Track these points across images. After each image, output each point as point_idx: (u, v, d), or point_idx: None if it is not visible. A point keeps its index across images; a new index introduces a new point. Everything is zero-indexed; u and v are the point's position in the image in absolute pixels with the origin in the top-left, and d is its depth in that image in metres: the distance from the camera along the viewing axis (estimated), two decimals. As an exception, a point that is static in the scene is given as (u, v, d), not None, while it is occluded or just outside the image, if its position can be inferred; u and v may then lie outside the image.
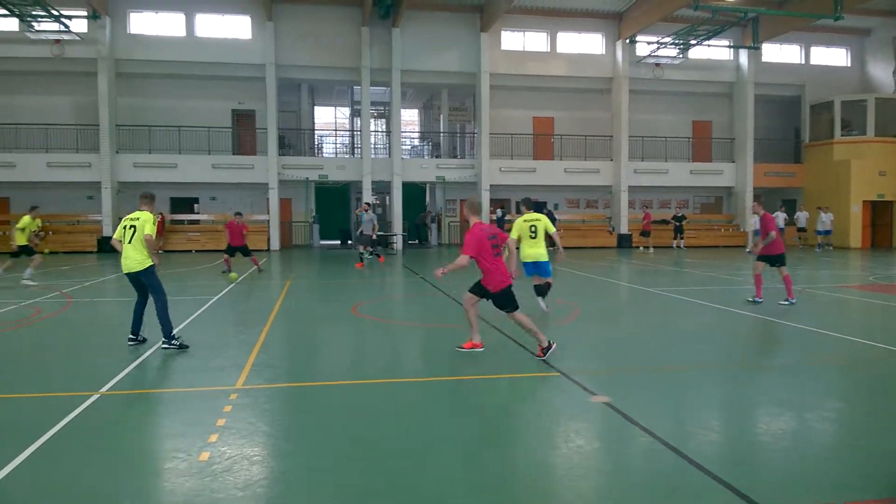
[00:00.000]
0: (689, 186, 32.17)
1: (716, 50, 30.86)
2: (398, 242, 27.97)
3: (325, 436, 4.99)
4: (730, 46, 30.59)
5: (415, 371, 7.40)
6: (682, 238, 28.09)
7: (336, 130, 36.80)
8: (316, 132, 34.02)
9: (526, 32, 29.93)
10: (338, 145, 35.40)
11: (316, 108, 34.94)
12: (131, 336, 8.04)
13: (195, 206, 29.50)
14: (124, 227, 7.92)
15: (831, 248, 28.14)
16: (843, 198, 29.76)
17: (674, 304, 12.03)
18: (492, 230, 7.13)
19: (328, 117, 38.21)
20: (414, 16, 27.97)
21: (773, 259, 11.51)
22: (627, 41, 29.62)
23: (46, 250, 22.78)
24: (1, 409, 5.71)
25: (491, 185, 29.39)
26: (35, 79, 27.45)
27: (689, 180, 31.56)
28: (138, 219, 7.90)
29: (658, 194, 32.76)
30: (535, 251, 10.22)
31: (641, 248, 26.61)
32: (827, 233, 27.80)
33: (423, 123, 38.97)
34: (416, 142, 37.71)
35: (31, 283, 14.41)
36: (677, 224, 28.02)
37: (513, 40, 29.89)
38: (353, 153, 32.68)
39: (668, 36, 28.54)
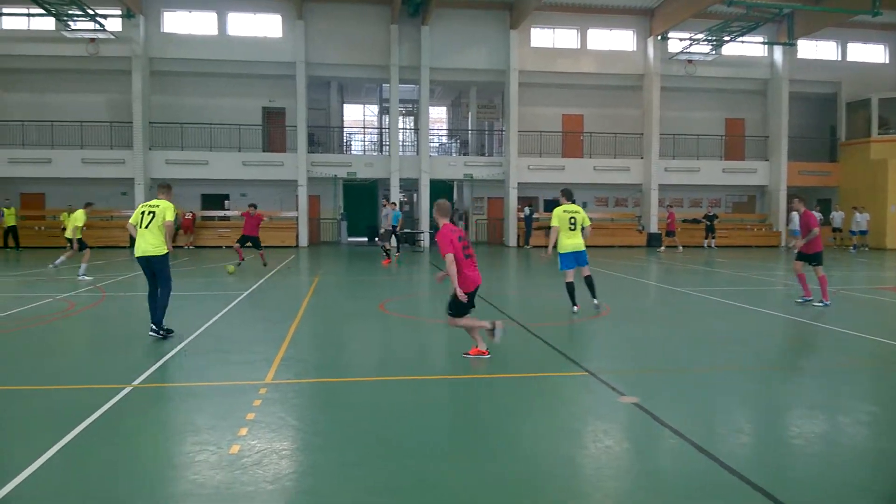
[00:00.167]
0: (722, 185, 31.69)
1: (749, 46, 30.35)
2: (425, 240, 28.00)
3: (353, 431, 5.02)
4: (764, 43, 30.08)
5: (442, 369, 7.40)
6: (713, 237, 27.71)
7: (364, 128, 36.97)
8: (345, 130, 34.24)
9: (556, 29, 29.74)
10: (366, 143, 35.56)
11: (345, 105, 35.16)
12: (154, 327, 8.17)
13: (226, 202, 29.87)
14: (142, 213, 8.09)
15: (867, 248, 27.55)
16: (880, 197, 29.05)
17: (704, 305, 11.87)
18: (458, 231, 7.05)
19: (357, 115, 38.40)
20: (443, 13, 27.96)
21: (810, 258, 11.29)
22: (659, 38, 29.26)
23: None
24: (37, 401, 5.85)
25: (519, 183, 29.28)
26: (70, 77, 28.02)
27: (722, 179, 31.08)
28: (158, 205, 8.10)
29: (689, 193, 32.34)
30: (574, 241, 10.22)
31: (664, 247, 26.21)
32: (863, 233, 27.21)
33: (451, 121, 38.95)
34: (444, 139, 37.72)
35: (87, 277, 14.69)
36: (708, 223, 27.64)
37: (542, 37, 29.72)
38: (381, 151, 32.80)
39: (701, 32, 28.10)
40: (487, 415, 5.51)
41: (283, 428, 5.07)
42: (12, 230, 24.38)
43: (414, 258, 22.46)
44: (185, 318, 9.69)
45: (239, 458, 4.36)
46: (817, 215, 11.52)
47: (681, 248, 26.73)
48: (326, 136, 31.84)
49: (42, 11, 24.20)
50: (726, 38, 28.32)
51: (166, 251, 8.10)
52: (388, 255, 20.06)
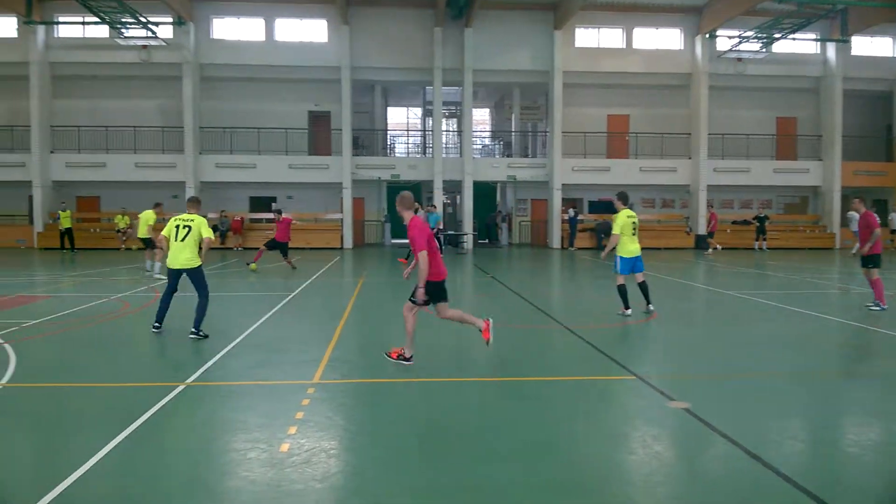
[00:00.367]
0: (773, 185, 30.88)
1: (801, 43, 29.53)
2: (468, 242, 28.01)
3: (400, 432, 5.05)
4: (816, 40, 29.26)
5: (487, 370, 7.39)
6: (764, 239, 27.07)
7: (408, 130, 37.19)
8: (388, 132, 34.51)
9: (601, 29, 29.46)
10: (409, 145, 35.77)
11: (388, 108, 35.44)
12: (157, 325, 8.62)
13: (273, 204, 30.32)
14: (176, 227, 8.40)
15: (927, 251, 26.52)
16: (940, 198, 27.95)
17: (755, 308, 11.59)
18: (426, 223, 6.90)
19: (400, 117, 38.67)
20: (486, 15, 27.95)
21: (867, 259, 10.93)
22: (707, 36, 28.72)
23: (134, 247, 23.88)
24: (96, 398, 6.04)
25: (563, 185, 29.06)
26: (124, 83, 28.90)
27: (773, 179, 30.29)
28: (193, 220, 8.43)
29: (739, 194, 31.63)
30: (636, 247, 10.23)
31: (711, 249, 25.66)
32: (922, 235, 26.21)
33: (494, 122, 38.90)
34: (488, 141, 37.69)
35: (160, 275, 15.19)
36: (759, 225, 27.00)
37: (587, 37, 29.46)
38: (424, 153, 32.95)
39: (751, 30, 27.46)
40: (534, 418, 5.48)
41: (331, 427, 5.14)
42: (68, 232, 25.23)
43: (457, 260, 22.48)
44: (234, 319, 9.90)
45: (289, 457, 4.44)
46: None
47: (718, 247, 26.13)
48: (370, 139, 32.14)
49: (97, 20, 25.05)
50: (777, 36, 27.59)
51: (200, 263, 8.50)
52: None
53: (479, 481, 4.13)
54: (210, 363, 7.10)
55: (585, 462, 4.51)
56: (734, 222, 29.95)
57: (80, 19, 26.08)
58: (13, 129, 28.05)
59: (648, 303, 10.40)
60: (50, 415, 5.51)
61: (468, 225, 28.91)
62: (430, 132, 31.03)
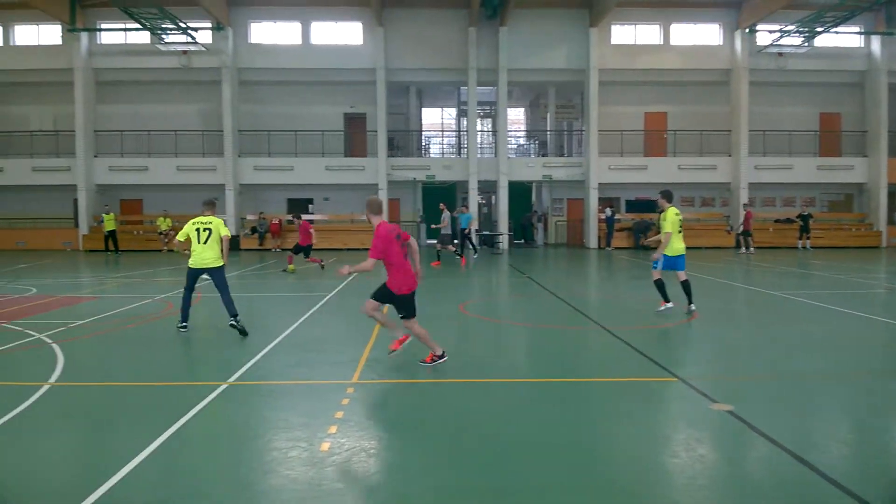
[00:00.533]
0: (816, 183, 30.11)
1: (844, 37, 28.79)
2: (504, 242, 27.91)
3: (438, 433, 5.05)
4: (860, 33, 28.50)
5: (525, 371, 7.35)
6: (808, 238, 26.45)
7: (443, 131, 37.23)
8: (423, 133, 34.59)
9: (637, 25, 29.11)
10: (444, 146, 35.80)
11: (423, 109, 35.52)
12: (184, 324, 8.97)
13: (310, 206, 30.73)
14: (197, 230, 8.80)
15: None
16: None
17: (800, 309, 11.32)
18: (396, 229, 6.78)
19: (435, 118, 38.74)
20: (521, 14, 27.84)
21: None
22: (747, 30, 28.16)
23: (175, 249, 24.34)
24: (141, 396, 6.17)
25: (599, 184, 28.78)
26: (165, 88, 29.53)
27: (816, 176, 29.54)
28: (211, 222, 8.84)
29: (781, 191, 30.93)
30: (682, 245, 10.22)
31: (752, 248, 25.07)
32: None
33: (529, 122, 38.72)
34: (523, 140, 37.53)
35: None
36: (803, 223, 26.36)
37: (623, 34, 29.14)
38: (459, 153, 32.96)
39: (792, 24, 26.84)
40: (574, 419, 5.43)
41: (371, 427, 5.17)
42: (112, 234, 25.84)
43: (493, 260, 22.43)
44: (273, 319, 10.02)
45: (329, 456, 4.47)
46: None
47: (744, 249, 25.53)
48: (405, 140, 32.27)
49: (138, 26, 25.65)
50: (819, 30, 26.92)
51: (223, 263, 8.89)
52: (460, 253, 20.27)
53: (522, 482, 4.10)
54: (251, 363, 7.20)
55: (627, 465, 4.45)
56: (776, 221, 29.30)
57: (121, 26, 26.73)
58: (58, 133, 28.88)
59: (690, 302, 10.25)
60: (96, 413, 5.64)
61: (503, 225, 28.81)
62: (465, 132, 31.03)
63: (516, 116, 39.17)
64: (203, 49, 27.71)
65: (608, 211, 28.13)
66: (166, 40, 27.15)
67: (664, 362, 7.16)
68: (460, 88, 33.26)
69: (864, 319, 10.02)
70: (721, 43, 29.11)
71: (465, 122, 32.27)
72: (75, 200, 28.65)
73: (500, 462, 4.42)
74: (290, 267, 17.56)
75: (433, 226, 20.66)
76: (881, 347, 8.52)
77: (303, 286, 15.01)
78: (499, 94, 29.00)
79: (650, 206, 28.45)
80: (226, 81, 28.02)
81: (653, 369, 6.94)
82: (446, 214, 20.68)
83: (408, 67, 28.63)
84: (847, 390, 6.25)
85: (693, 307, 10.20)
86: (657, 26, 29.04)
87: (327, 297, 12.75)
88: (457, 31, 28.29)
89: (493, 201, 32.07)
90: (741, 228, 25.33)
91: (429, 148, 35.25)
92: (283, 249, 27.04)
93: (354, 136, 30.69)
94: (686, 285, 10.26)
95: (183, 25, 25.88)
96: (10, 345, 8.18)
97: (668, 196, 10.44)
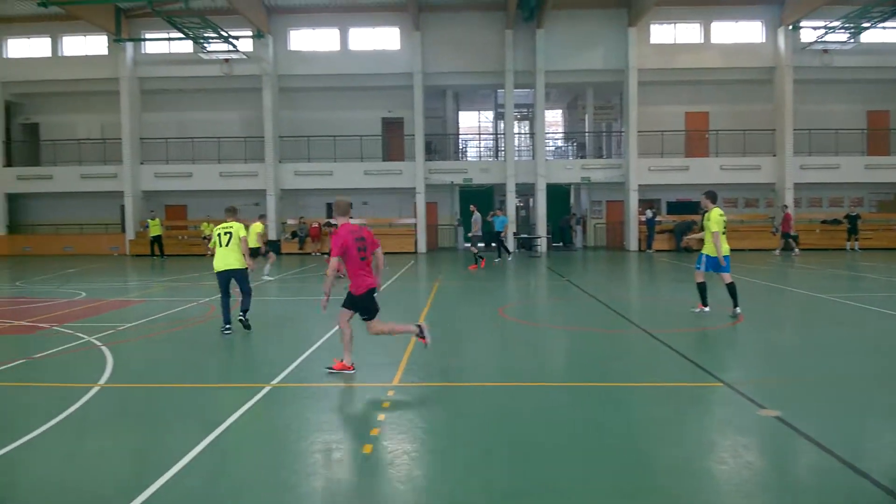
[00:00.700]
0: (864, 182, 29.20)
1: (892, 32, 27.84)
2: (542, 245, 27.75)
3: (478, 436, 5.04)
4: (910, 27, 27.55)
5: (566, 375, 7.29)
6: (856, 239, 25.72)
7: (480, 134, 37.20)
8: (460, 136, 34.62)
9: (677, 24, 28.68)
10: (481, 149, 35.77)
11: (460, 112, 35.53)
12: (227, 326, 9.24)
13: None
14: (219, 235, 9.34)
15: None
16: None
17: (849, 312, 10.99)
18: (360, 233, 6.72)
19: (472, 121, 38.72)
20: (558, 16, 27.68)
21: None
22: (790, 27, 27.52)
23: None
24: (186, 398, 6.31)
25: (639, 185, 28.42)
26: (207, 96, 30.18)
27: (864, 176, 28.66)
28: (232, 227, 9.35)
29: (828, 191, 30.11)
30: (726, 246, 10.08)
31: (797, 249, 24.46)
32: None
33: (567, 123, 38.44)
34: (560, 142, 37.27)
35: (271, 277, 17.16)
36: (851, 224, 25.63)
37: (663, 33, 28.74)
38: (496, 156, 32.89)
39: (837, 19, 26.14)
40: (617, 424, 5.36)
41: (412, 430, 5.18)
42: (157, 239, 26.44)
43: (531, 263, 22.33)
44: (315, 321, 10.13)
45: (372, 458, 4.50)
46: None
47: (778, 251, 24.94)
48: (443, 144, 32.34)
49: (181, 35, 26.25)
50: (866, 25, 26.16)
51: (245, 266, 9.41)
52: (476, 260, 20.19)
53: (564, 486, 4.07)
54: (293, 365, 7.29)
55: (673, 470, 4.38)
56: (823, 222, 28.55)
57: (165, 36, 27.36)
58: (105, 141, 29.74)
59: (735, 305, 10.05)
60: (145, 414, 5.78)
61: (541, 228, 28.65)
62: (502, 135, 30.96)
63: (554, 118, 38.92)
64: (244, 57, 28.23)
65: (649, 213, 27.75)
66: (208, 49, 27.74)
67: (708, 366, 7.03)
68: (497, 91, 33.19)
69: (919, 323, 9.70)
70: (764, 40, 28.50)
71: (502, 125, 32.18)
72: (122, 206, 29.44)
73: (542, 466, 4.39)
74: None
75: (469, 234, 20.58)
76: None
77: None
78: (536, 97, 28.87)
79: (692, 208, 27.99)
80: (266, 88, 28.49)
81: (697, 374, 6.82)
82: (477, 216, 20.66)
83: (445, 71, 28.71)
84: (901, 396, 6.05)
85: (738, 310, 10.01)
86: (697, 24, 28.57)
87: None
88: (493, 34, 28.27)
89: (531, 204, 31.91)
90: (783, 230, 24.82)
91: (466, 151, 35.26)
92: (322, 253, 27.34)
93: (392, 140, 30.88)
94: (731, 288, 10.08)
95: (224, 34, 26.39)
96: (62, 347, 8.43)
97: (712, 197, 10.31)
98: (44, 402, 6.04)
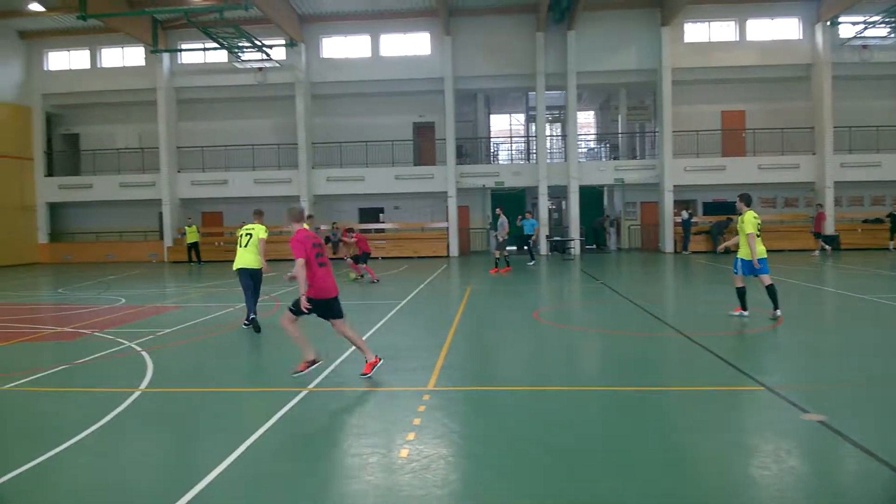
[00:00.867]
0: (907, 180, 28.44)
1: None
2: (576, 247, 27.55)
3: (514, 440, 5.02)
4: (953, 20, 26.74)
5: (603, 379, 7.22)
6: (899, 239, 25.00)
7: (511, 137, 37.09)
8: (491, 140, 34.56)
9: (711, 22, 28.24)
10: (513, 152, 35.67)
11: (491, 116, 35.50)
12: (252, 316, 9.95)
13: (380, 215, 31.19)
14: (240, 236, 10.04)
15: None
16: None
17: (893, 313, 10.69)
18: (316, 239, 6.81)
19: (503, 125, 38.64)
20: (589, 17, 27.49)
21: None
22: (828, 23, 26.92)
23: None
24: (225, 402, 6.40)
25: (675, 186, 28.04)
26: (241, 104, 30.65)
27: (908, 173, 27.91)
28: (253, 228, 10.01)
29: (869, 190, 29.33)
30: (761, 248, 10.00)
31: (817, 250, 23.87)
32: None
33: (599, 125, 38.15)
34: (593, 144, 36.99)
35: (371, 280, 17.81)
36: (893, 223, 24.94)
37: (696, 32, 28.33)
38: (528, 159, 32.75)
39: (877, 14, 25.49)
40: (656, 429, 5.29)
41: (448, 434, 5.17)
42: (194, 246, 26.90)
43: (565, 266, 22.18)
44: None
45: (409, 462, 4.51)
46: None
47: (817, 252, 24.34)
48: (474, 148, 32.32)
49: (216, 45, 26.72)
50: (907, 19, 25.48)
51: (261, 266, 9.99)
52: (497, 264, 20.09)
53: (602, 491, 4.02)
54: (329, 369, 7.35)
55: (714, 476, 4.31)
56: (865, 221, 27.83)
57: (200, 46, 27.86)
58: (143, 150, 30.38)
59: (776, 308, 9.86)
60: (185, 419, 5.87)
61: (575, 230, 28.45)
62: (534, 138, 30.83)
63: (586, 120, 38.67)
64: (277, 65, 28.62)
65: (685, 214, 27.35)
66: (243, 58, 28.20)
67: (749, 370, 6.89)
68: (528, 94, 33.09)
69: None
70: (801, 37, 27.92)
71: (533, 128, 32.07)
72: (160, 214, 30.04)
73: (579, 472, 4.35)
74: (352, 275, 18.20)
75: (500, 239, 20.49)
76: None
77: (377, 294, 15.21)
78: (568, 98, 28.69)
79: (730, 208, 27.52)
80: (299, 96, 28.83)
81: (737, 377, 6.69)
82: (503, 220, 20.57)
83: (475, 75, 28.70)
84: (952, 400, 5.86)
85: (779, 312, 9.81)
86: (732, 22, 28.11)
87: (400, 304, 12.88)
88: (524, 36, 28.19)
89: (564, 206, 31.70)
90: (816, 230, 24.34)
91: (497, 154, 35.18)
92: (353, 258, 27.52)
93: (423, 144, 30.99)
94: (771, 290, 9.88)
95: (258, 43, 26.78)
96: (103, 353, 8.62)
97: (746, 200, 10.25)
98: (87, 406, 6.18)
